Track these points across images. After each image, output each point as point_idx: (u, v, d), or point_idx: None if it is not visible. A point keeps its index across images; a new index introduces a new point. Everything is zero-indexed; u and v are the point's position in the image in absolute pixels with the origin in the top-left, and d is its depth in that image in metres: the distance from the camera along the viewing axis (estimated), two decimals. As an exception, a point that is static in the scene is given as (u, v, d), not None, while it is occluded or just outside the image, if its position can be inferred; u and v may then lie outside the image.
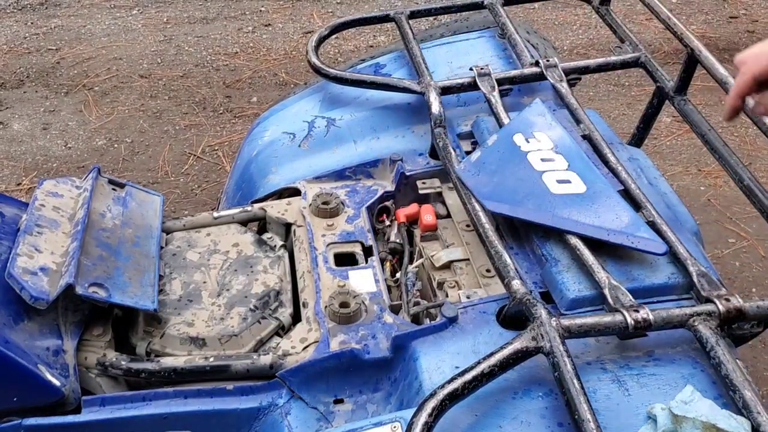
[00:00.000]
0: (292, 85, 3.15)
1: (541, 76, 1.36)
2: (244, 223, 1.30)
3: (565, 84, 1.33)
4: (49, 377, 0.97)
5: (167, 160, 2.76)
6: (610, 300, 0.93)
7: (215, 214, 1.29)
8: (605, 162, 1.17)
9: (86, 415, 0.98)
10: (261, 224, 1.34)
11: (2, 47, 3.54)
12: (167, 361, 1.03)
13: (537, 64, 1.37)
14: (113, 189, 1.24)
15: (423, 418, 0.79)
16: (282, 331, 1.10)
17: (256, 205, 1.33)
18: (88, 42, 3.57)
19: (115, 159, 2.77)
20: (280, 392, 1.00)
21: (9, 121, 3.01)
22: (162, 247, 1.20)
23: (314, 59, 1.47)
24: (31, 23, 3.76)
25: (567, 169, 1.11)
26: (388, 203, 1.33)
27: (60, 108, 3.08)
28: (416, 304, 1.11)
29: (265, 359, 1.02)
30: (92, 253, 1.07)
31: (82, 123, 2.98)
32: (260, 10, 3.82)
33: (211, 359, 1.03)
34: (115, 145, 2.85)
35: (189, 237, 1.24)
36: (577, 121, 1.25)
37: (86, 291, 1.00)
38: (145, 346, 1.06)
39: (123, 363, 1.02)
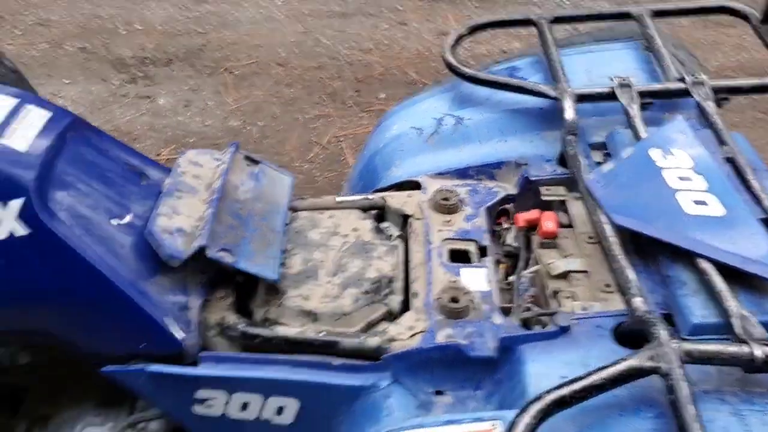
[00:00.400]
0: (421, 85, 3.19)
1: (686, 93, 1.31)
2: (364, 209, 1.33)
3: (711, 103, 1.27)
4: (173, 330, 1.04)
5: (294, 146, 2.86)
6: (738, 330, 0.89)
7: (338, 199, 1.33)
8: (748, 188, 1.11)
9: (202, 369, 1.04)
10: (380, 213, 1.37)
11: (157, 27, 3.80)
12: (281, 330, 1.08)
13: (683, 80, 1.32)
14: (248, 165, 1.31)
15: (526, 419, 0.78)
16: (390, 316, 1.12)
17: (377, 195, 1.36)
18: (233, 28, 3.76)
19: (246, 140, 2.91)
20: (384, 375, 1.02)
21: (156, 97, 3.23)
22: (287, 224, 1.26)
23: (450, 57, 1.48)
24: (184, 7, 4.01)
25: (705, 191, 1.06)
26: (508, 206, 1.32)
27: (202, 88, 3.27)
28: (527, 309, 1.10)
29: (373, 341, 1.05)
30: (224, 221, 1.13)
31: (220, 104, 3.16)
32: (397, 9, 3.88)
33: (322, 334, 1.06)
34: (248, 127, 2.99)
35: (312, 217, 1.29)
36: (721, 143, 1.20)
37: (216, 254, 1.06)
38: (262, 314, 1.11)
39: (240, 326, 1.08)
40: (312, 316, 1.10)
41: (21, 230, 0.97)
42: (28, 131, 1.05)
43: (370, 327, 1.09)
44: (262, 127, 2.98)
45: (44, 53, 3.53)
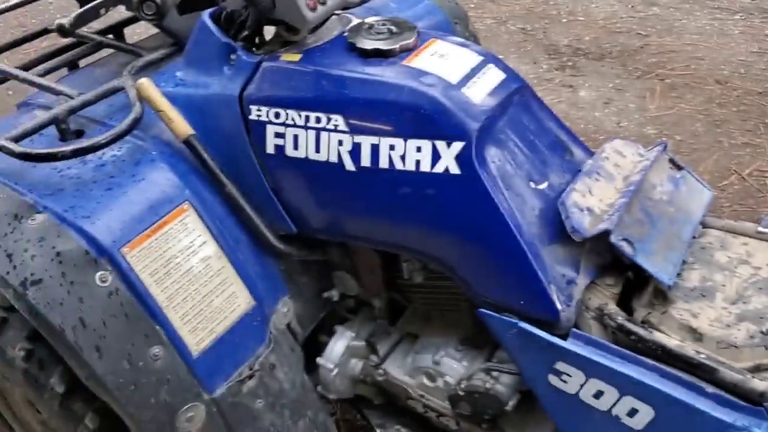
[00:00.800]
0: None
1: None
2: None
3: None
4: (555, 298, 1.08)
5: (709, 169, 2.68)
6: None
7: (760, 229, 1.23)
8: None
9: (570, 345, 1.07)
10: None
11: (599, 22, 3.85)
12: (659, 337, 1.05)
13: None
14: (671, 168, 1.27)
15: None
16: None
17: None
18: (677, 35, 3.62)
19: (658, 151, 2.81)
20: (762, 423, 0.93)
21: (578, 88, 3.29)
22: (694, 237, 1.20)
23: None
24: (632, 6, 3.98)
25: None
26: None
27: (626, 89, 3.24)
28: None
29: (759, 384, 0.96)
30: (633, 214, 1.13)
31: (640, 108, 3.09)
32: None
33: (703, 356, 1.01)
34: (664, 138, 2.87)
35: (724, 238, 1.21)
36: None
37: (618, 242, 1.07)
38: (644, 315, 1.09)
39: (619, 318, 1.08)
40: (696, 334, 1.04)
41: (455, 169, 1.10)
42: (484, 86, 1.17)
43: (758, 369, 1.00)
44: (679, 142, 2.84)
45: (488, 28, 3.84)
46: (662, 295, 1.10)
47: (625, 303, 1.14)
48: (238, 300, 1.22)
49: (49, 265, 1.06)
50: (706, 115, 2.98)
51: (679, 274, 1.13)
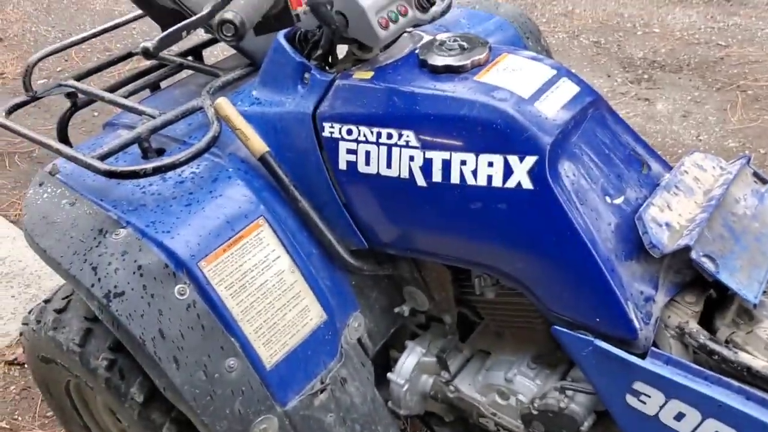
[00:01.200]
0: None
1: None
2: None
3: None
4: (632, 316, 1.05)
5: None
6: None
7: None
8: None
9: (649, 364, 1.04)
10: None
11: (675, 33, 3.75)
12: (745, 358, 1.00)
13: None
14: (755, 181, 1.22)
15: None
16: None
17: None
18: (759, 45, 3.49)
19: (739, 164, 2.70)
20: None
21: (655, 100, 3.21)
22: (781, 254, 1.15)
23: None
24: (711, 17, 3.86)
25: None
26: None
27: (706, 101, 3.13)
28: None
29: None
30: (715, 229, 1.09)
31: (721, 121, 2.98)
32: None
33: (793, 379, 0.96)
34: (746, 152, 2.77)
35: (814, 256, 1.15)
36: None
37: (699, 258, 1.04)
38: (728, 334, 1.05)
39: (701, 338, 1.04)
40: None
41: (528, 184, 1.09)
42: (557, 100, 1.15)
43: None
44: (764, 155, 2.72)
45: (561, 42, 3.80)
46: (747, 314, 1.06)
47: (707, 322, 1.09)
48: (311, 314, 1.24)
49: (131, 278, 1.10)
50: (793, 128, 2.86)
51: (765, 292, 1.08)
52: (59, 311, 1.37)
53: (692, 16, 3.89)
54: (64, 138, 1.57)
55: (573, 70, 1.27)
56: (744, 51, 3.45)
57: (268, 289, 1.19)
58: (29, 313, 1.47)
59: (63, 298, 1.39)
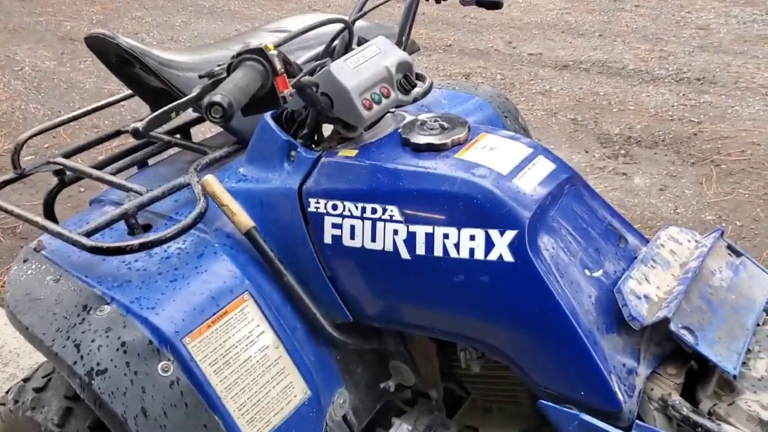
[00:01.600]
0: None
1: None
2: None
3: None
4: (616, 389, 1.06)
5: (773, 253, 2.61)
6: None
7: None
8: None
9: (636, 437, 1.04)
10: None
11: (650, 110, 3.87)
12: (728, 429, 1.01)
13: None
14: (730, 254, 1.25)
15: None
16: None
17: None
18: (730, 122, 3.61)
19: (716, 236, 2.76)
20: None
21: (632, 174, 3.29)
22: (758, 324, 1.17)
23: None
24: (683, 95, 4.00)
25: None
26: None
27: (682, 175, 3.22)
28: None
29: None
30: (692, 301, 1.11)
31: (697, 194, 3.05)
32: None
33: (776, 451, 0.96)
34: (723, 224, 2.83)
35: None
36: None
37: (678, 330, 1.05)
38: (710, 406, 1.05)
39: (685, 410, 1.04)
40: (765, 426, 1.00)
41: (509, 257, 1.11)
42: (535, 177, 1.19)
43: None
44: (740, 228, 2.78)
45: (539, 119, 3.91)
46: (728, 386, 1.07)
47: (689, 393, 1.10)
48: (295, 390, 1.23)
49: (114, 355, 1.10)
50: (767, 200, 2.92)
51: (744, 363, 1.09)
52: (38, 390, 1.34)
53: (665, 94, 4.03)
54: (50, 214, 1.58)
55: (552, 146, 1.31)
56: (716, 127, 3.57)
57: (252, 366, 1.19)
58: (7, 392, 1.44)
59: (43, 377, 1.37)
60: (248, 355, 1.19)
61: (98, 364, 1.09)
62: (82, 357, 1.11)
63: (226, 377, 1.16)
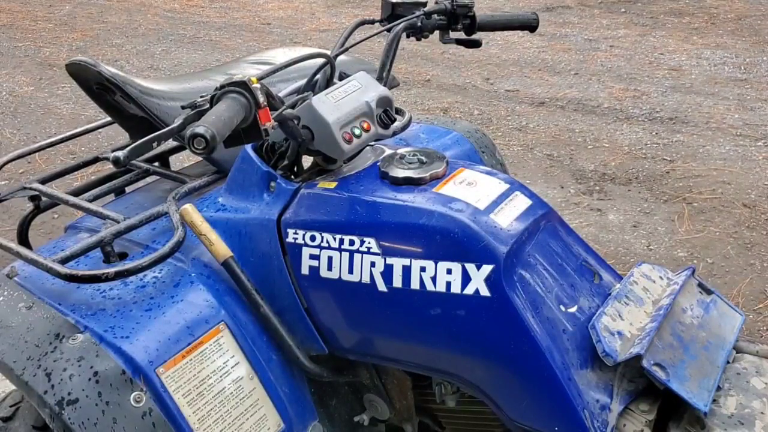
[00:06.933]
0: None
1: None
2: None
3: None
4: (589, 424, 1.07)
5: (743, 292, 2.65)
6: None
7: (795, 354, 1.21)
8: None
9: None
10: None
11: (624, 148, 3.95)
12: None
13: None
14: (700, 292, 1.28)
15: None
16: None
17: None
18: (701, 161, 3.69)
19: (688, 273, 2.80)
20: None
21: (607, 211, 3.34)
22: (728, 362, 1.19)
23: None
24: (656, 134, 4.09)
25: None
26: None
27: (655, 212, 3.27)
28: None
29: None
30: (664, 338, 1.13)
31: (669, 231, 3.11)
32: None
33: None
34: (694, 262, 2.87)
35: (759, 364, 1.19)
36: None
37: (650, 367, 1.07)
38: (682, 443, 1.07)
39: None
40: (738, 465, 1.01)
41: (485, 291, 1.12)
42: (511, 212, 1.21)
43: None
44: (711, 265, 2.83)
45: (516, 154, 3.96)
46: (699, 423, 1.08)
47: (660, 430, 1.11)
48: (269, 423, 1.22)
49: (86, 384, 1.08)
50: (736, 238, 2.98)
51: (714, 401, 1.11)
52: (6, 420, 1.32)
53: (638, 132, 4.12)
54: (24, 240, 1.56)
55: (528, 181, 1.34)
56: (688, 166, 3.65)
57: (226, 397, 1.18)
58: (-27, 421, 1.41)
59: (11, 406, 1.34)
60: (222, 387, 1.18)
61: (69, 393, 1.08)
62: (53, 386, 1.09)
63: (199, 408, 1.14)
